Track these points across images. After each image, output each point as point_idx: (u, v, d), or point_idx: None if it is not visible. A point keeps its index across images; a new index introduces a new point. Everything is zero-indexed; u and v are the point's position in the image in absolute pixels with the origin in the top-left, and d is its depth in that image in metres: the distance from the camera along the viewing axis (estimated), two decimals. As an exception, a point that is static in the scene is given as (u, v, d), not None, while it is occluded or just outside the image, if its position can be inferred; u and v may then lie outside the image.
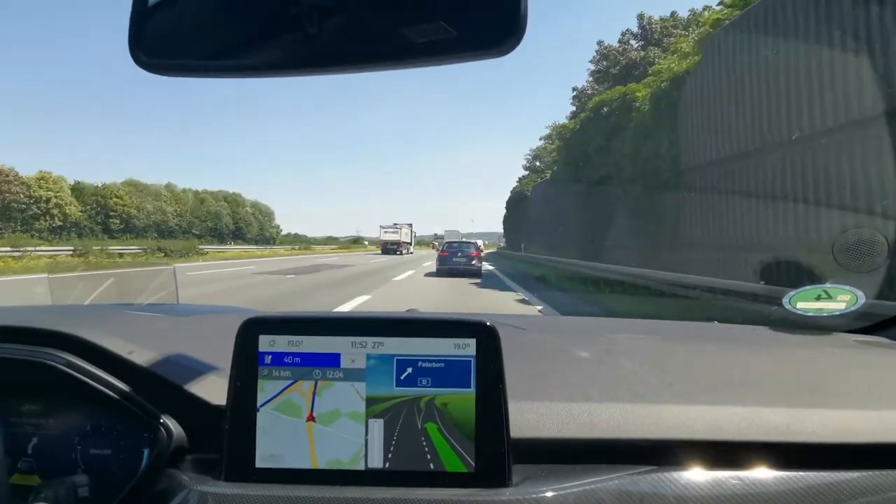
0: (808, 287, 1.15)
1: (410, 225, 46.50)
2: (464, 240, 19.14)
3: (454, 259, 16.07)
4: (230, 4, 0.58)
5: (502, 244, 58.38)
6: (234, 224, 60.54)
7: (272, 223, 69.97)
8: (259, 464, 0.60)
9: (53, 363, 0.70)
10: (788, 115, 7.29)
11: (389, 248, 41.30)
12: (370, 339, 0.61)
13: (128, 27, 0.53)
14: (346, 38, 0.56)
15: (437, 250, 17.98)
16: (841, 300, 1.12)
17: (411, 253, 42.71)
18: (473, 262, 16.05)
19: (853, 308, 1.10)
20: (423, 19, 0.55)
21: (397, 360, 0.61)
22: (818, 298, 1.13)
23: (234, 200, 63.17)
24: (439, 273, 15.78)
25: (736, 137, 8.77)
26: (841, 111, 6.27)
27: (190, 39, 0.57)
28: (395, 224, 44.48)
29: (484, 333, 0.61)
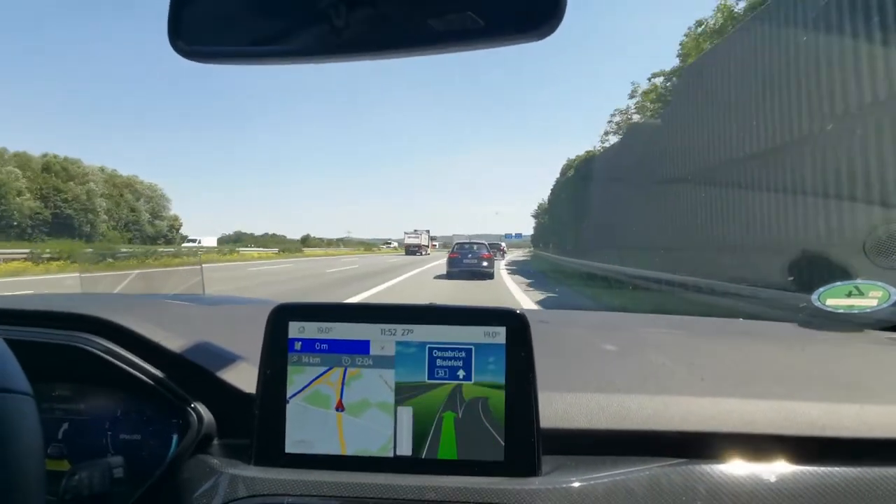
0: (838, 283, 1.13)
1: (428, 231, 56.37)
2: (474, 241, 18.26)
3: (465, 261, 15.78)
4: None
5: (530, 248, 57.07)
6: (48, 210, 36.08)
7: (161, 213, 44.83)
8: (289, 449, 0.61)
9: (91, 348, 0.72)
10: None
11: (412, 250, 49.42)
12: (399, 327, 0.61)
13: (167, 17, 0.54)
14: (373, 29, 0.56)
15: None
16: (872, 296, 1.09)
17: (429, 254, 49.40)
18: (484, 263, 15.69)
19: (885, 304, 1.07)
20: (452, 8, 0.55)
21: (427, 347, 0.61)
22: (849, 295, 1.11)
23: (62, 169, 36.65)
24: (450, 276, 15.42)
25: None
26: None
27: (224, 28, 0.58)
28: (415, 230, 54.04)
29: (514, 321, 0.61)
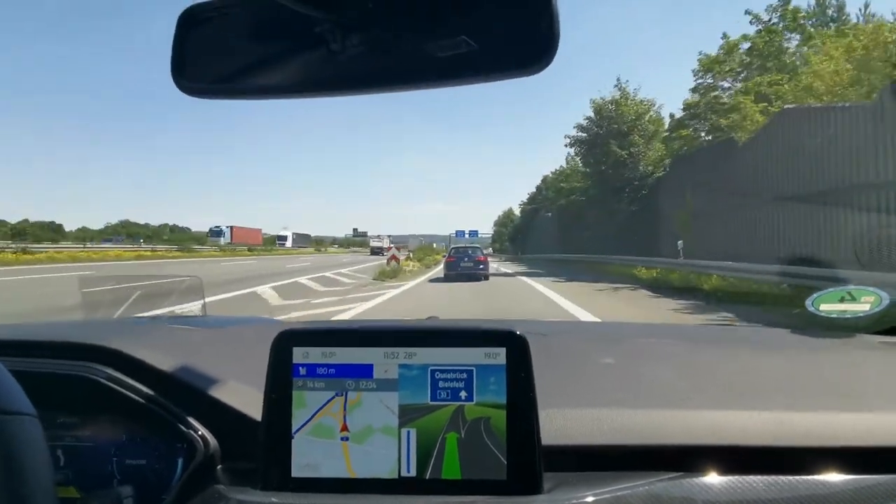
0: (831, 289, 1.15)
1: (389, 236, 72.78)
2: (469, 245, 19.18)
3: (461, 264, 16.35)
4: (260, 32, 0.60)
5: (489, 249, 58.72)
6: None
7: None
8: (295, 473, 0.61)
9: (96, 377, 0.73)
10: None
11: (376, 251, 60.30)
12: (402, 350, 0.62)
13: (170, 57, 0.56)
14: (369, 54, 0.58)
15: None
16: (865, 301, 1.11)
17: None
18: (481, 266, 16.31)
19: (877, 309, 1.09)
20: (445, 34, 0.56)
21: (429, 369, 0.62)
22: (842, 300, 1.12)
23: None
24: (447, 279, 15.78)
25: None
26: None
27: (225, 65, 0.60)
28: (378, 235, 71.75)
29: (514, 342, 0.62)
